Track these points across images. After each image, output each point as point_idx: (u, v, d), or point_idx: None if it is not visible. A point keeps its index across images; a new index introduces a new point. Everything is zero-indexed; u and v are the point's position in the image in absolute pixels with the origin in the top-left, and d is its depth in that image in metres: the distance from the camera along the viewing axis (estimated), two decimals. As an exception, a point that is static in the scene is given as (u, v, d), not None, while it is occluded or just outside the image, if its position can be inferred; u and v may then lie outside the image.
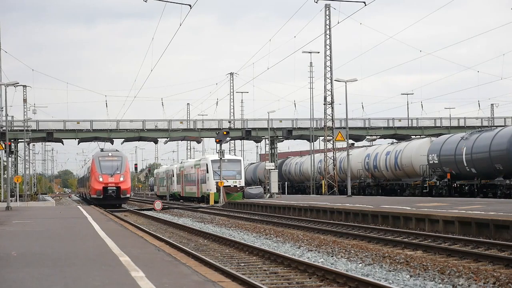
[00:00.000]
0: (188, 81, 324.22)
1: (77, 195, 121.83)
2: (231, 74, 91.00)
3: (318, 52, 64.44)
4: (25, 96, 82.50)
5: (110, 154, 56.34)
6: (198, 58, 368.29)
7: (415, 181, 51.20)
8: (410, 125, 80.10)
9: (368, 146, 69.07)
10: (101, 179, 54.34)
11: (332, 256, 17.17)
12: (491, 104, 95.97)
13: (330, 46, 59.72)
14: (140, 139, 78.73)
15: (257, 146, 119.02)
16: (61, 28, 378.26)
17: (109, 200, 54.48)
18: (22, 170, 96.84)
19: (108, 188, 54.12)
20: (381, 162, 56.60)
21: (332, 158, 60.99)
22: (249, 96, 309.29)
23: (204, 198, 61.37)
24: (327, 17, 58.97)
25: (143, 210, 51.16)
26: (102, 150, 58.81)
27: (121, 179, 54.63)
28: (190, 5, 24.44)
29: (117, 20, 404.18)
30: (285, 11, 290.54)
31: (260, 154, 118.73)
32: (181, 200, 73.06)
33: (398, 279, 13.30)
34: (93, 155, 58.90)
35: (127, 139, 77.72)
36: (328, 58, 59.89)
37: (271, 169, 59.16)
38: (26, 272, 11.18)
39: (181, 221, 35.01)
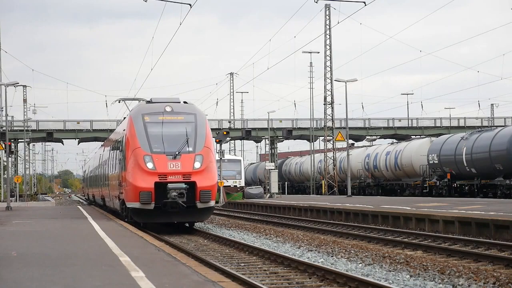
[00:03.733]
0: (188, 81, 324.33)
1: (84, 197, 79.57)
2: (231, 74, 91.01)
3: (318, 52, 64.46)
4: (25, 96, 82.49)
5: (169, 108, 25.33)
6: (198, 58, 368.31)
7: (415, 181, 51.19)
8: (410, 125, 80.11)
9: (368, 146, 69.06)
10: (150, 166, 23.87)
11: (332, 256, 17.16)
12: (491, 104, 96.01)
13: (330, 46, 59.70)
14: (141, 139, 78.40)
15: (257, 146, 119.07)
16: (60, 28, 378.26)
17: (171, 216, 24.21)
18: (22, 170, 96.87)
19: (169, 185, 23.55)
20: (381, 162, 56.58)
21: (332, 158, 60.97)
22: (249, 96, 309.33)
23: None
24: (327, 17, 58.96)
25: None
26: (150, 101, 26.42)
27: (197, 165, 24.09)
28: (190, 5, 24.42)
29: (117, 20, 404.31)
30: (285, 11, 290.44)
31: (260, 154, 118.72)
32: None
33: (398, 279, 13.30)
34: (131, 114, 25.67)
35: (127, 139, 77.44)
36: (328, 58, 59.88)
37: (271, 169, 59.15)
38: (26, 272, 11.17)
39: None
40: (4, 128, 56.72)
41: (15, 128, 72.72)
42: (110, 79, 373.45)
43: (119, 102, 33.72)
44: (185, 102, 25.75)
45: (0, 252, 14.59)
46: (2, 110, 60.31)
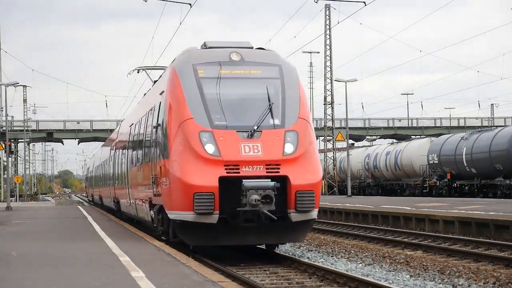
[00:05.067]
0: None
1: (88, 199, 64.97)
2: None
3: (318, 52, 64.51)
4: (25, 96, 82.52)
5: (236, 56, 15.62)
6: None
7: (415, 181, 51.20)
8: (410, 125, 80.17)
9: (368, 146, 69.09)
10: (211, 150, 14.23)
11: (332, 256, 17.17)
12: (491, 104, 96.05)
13: (330, 46, 59.70)
14: (141, 139, 78.52)
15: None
16: (61, 28, 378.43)
17: (245, 235, 14.47)
18: (22, 170, 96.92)
19: (244, 182, 13.93)
20: (381, 162, 56.59)
21: (332, 158, 60.98)
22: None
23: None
24: (327, 17, 58.95)
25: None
26: (204, 45, 16.36)
27: (289, 149, 14.50)
28: (190, 4, 24.44)
29: (117, 20, 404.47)
30: (285, 11, 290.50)
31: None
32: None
33: (398, 279, 13.30)
34: (175, 65, 15.66)
35: (127, 139, 77.55)
36: (328, 58, 59.86)
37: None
38: (26, 272, 11.17)
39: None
40: (4, 128, 56.75)
41: (15, 128, 72.75)
42: (110, 79, 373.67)
43: (138, 72, 25.61)
44: (260, 49, 16.54)
45: (0, 252, 14.59)
46: (2, 110, 60.37)
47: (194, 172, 14.11)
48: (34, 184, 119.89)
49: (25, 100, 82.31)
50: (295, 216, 14.26)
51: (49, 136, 76.11)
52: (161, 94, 16.24)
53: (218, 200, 13.87)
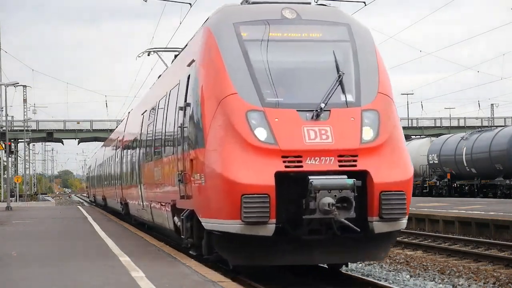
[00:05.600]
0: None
1: (90, 199, 63.06)
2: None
3: (318, 52, 64.37)
4: (25, 96, 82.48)
5: (291, 13, 11.90)
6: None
7: (415, 181, 51.22)
8: (410, 125, 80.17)
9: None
10: (262, 136, 10.65)
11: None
12: (491, 104, 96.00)
13: (330, 46, 59.58)
14: (141, 139, 78.51)
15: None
16: (61, 28, 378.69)
17: (312, 252, 10.85)
18: (22, 170, 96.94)
19: (312, 180, 10.28)
20: (381, 162, 56.57)
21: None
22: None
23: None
24: (327, 17, 58.85)
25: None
26: (246, 1, 12.51)
27: (368, 134, 10.92)
28: (190, 4, 24.43)
29: (117, 20, 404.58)
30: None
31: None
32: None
33: (398, 279, 13.31)
34: (210, 24, 11.97)
35: (127, 139, 77.57)
36: (328, 58, 59.75)
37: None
38: (26, 272, 11.17)
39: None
40: (4, 128, 56.76)
41: (15, 128, 72.79)
42: (110, 79, 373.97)
43: (148, 54, 23.05)
44: (321, 5, 13.10)
45: (0, 252, 14.59)
46: (2, 110, 60.36)
47: (241, 166, 10.51)
48: (34, 184, 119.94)
49: (25, 100, 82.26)
50: (378, 226, 10.61)
51: (49, 136, 76.19)
52: (189, 65, 12.51)
53: (275, 204, 10.28)
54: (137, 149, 20.00)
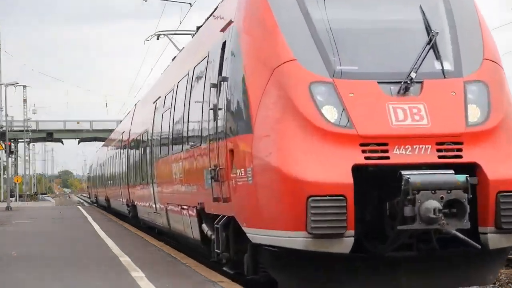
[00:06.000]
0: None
1: (91, 200, 59.62)
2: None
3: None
4: (25, 96, 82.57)
5: None
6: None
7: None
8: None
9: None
10: (333, 117, 7.84)
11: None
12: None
13: (330, 46, 59.65)
14: (141, 139, 78.50)
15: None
16: (61, 28, 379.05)
17: (396, 273, 7.96)
18: (22, 170, 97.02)
19: (408, 176, 7.36)
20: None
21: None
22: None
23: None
24: (327, 17, 58.95)
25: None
26: None
27: (474, 114, 8.07)
28: (190, 4, 24.45)
29: (117, 20, 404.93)
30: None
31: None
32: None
33: (398, 279, 13.23)
34: None
35: (127, 139, 77.62)
36: (328, 58, 59.82)
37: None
38: (26, 272, 11.17)
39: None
40: (4, 128, 56.80)
41: (15, 128, 72.81)
42: (110, 79, 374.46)
43: (157, 38, 20.77)
44: None
45: (0, 252, 14.59)
46: (2, 110, 60.42)
47: (306, 157, 7.77)
48: (34, 184, 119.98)
49: (25, 100, 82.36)
50: (494, 240, 7.83)
51: (49, 136, 76.22)
52: (224, 29, 9.78)
53: (354, 209, 7.54)
54: (149, 142, 17.21)
